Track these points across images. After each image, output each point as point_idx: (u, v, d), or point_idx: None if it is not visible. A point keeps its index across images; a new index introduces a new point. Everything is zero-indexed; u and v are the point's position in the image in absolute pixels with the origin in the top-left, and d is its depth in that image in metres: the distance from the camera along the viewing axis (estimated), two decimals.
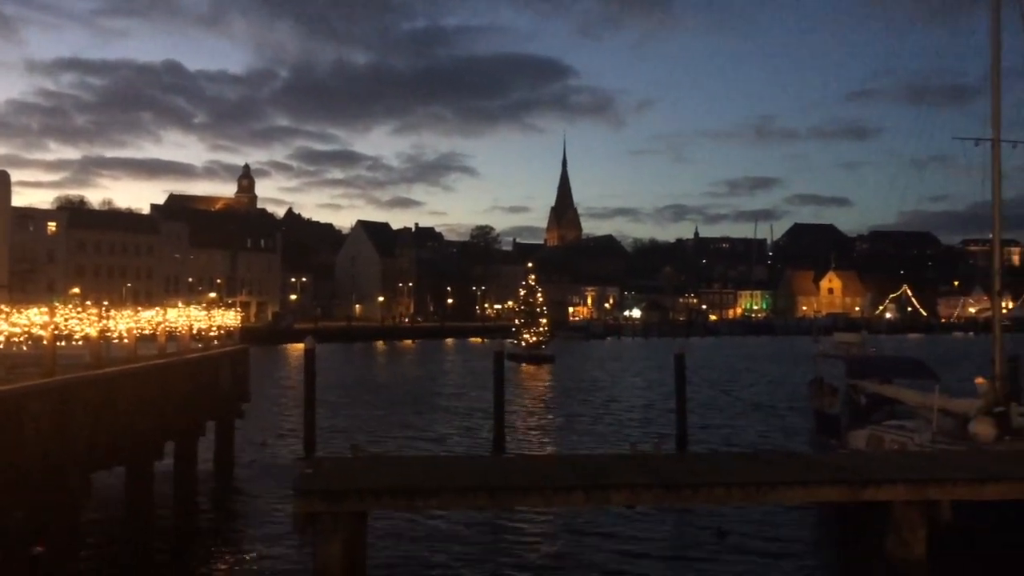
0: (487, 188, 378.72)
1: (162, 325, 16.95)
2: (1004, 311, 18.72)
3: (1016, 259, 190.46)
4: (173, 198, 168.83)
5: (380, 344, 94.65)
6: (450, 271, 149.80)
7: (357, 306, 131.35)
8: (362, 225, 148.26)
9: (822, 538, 13.49)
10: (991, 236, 18.59)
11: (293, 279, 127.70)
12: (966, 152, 17.70)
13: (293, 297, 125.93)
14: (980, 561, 12.40)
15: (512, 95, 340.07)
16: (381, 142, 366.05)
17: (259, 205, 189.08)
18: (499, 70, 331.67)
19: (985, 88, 17.86)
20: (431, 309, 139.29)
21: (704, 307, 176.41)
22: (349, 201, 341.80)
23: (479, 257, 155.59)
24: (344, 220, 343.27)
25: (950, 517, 8.87)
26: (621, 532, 14.32)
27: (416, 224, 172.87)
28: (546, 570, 12.40)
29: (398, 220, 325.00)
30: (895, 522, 8.86)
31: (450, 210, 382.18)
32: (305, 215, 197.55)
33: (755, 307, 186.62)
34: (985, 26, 17.76)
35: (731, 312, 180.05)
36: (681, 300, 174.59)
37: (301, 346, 29.74)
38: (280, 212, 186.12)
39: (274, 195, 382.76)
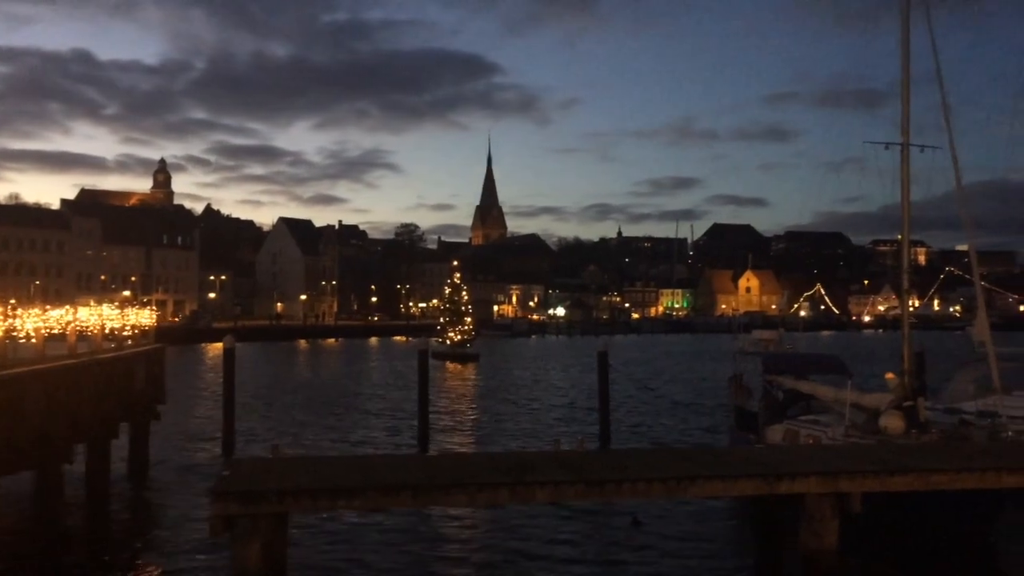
0: (412, 185, 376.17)
1: (72, 324, 16.33)
2: (911, 309, 19.46)
3: (923, 259, 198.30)
4: (85, 192, 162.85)
5: (303, 343, 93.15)
6: (374, 269, 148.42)
7: (279, 304, 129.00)
8: (284, 222, 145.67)
9: (739, 530, 13.83)
10: (900, 237, 19.28)
11: (212, 277, 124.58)
12: (877, 156, 18.30)
13: (212, 295, 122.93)
14: (889, 550, 12.89)
15: (437, 91, 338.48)
16: (303, 137, 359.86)
17: (176, 201, 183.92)
18: (424, 66, 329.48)
19: (895, 93, 18.51)
20: (355, 307, 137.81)
21: (627, 305, 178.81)
22: (270, 197, 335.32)
23: (404, 255, 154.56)
24: (265, 217, 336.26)
25: (860, 508, 9.17)
26: (545, 527, 14.42)
27: (340, 221, 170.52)
28: (470, 567, 12.39)
29: (321, 217, 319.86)
30: (808, 514, 9.13)
31: (374, 207, 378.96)
32: (224, 211, 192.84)
33: (676, 305, 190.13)
34: (895, 33, 18.38)
35: (653, 310, 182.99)
36: (604, 298, 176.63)
37: (220, 345, 29.03)
38: (198, 208, 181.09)
39: (191, 190, 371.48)
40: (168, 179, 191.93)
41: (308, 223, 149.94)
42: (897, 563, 12.66)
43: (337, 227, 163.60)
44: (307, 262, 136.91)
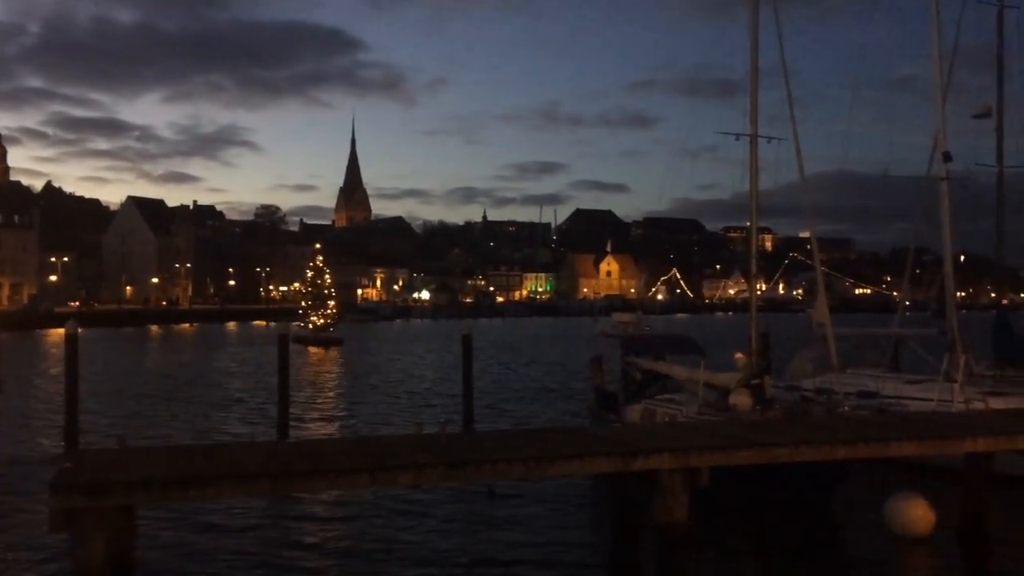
0: (271, 165, 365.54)
1: None
2: (758, 292, 20.51)
3: (769, 245, 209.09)
4: None
5: (155, 328, 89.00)
6: (232, 251, 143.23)
7: (128, 288, 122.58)
8: (133, 201, 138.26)
9: (597, 506, 14.23)
10: (749, 224, 20.24)
11: (53, 259, 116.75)
12: (729, 145, 19.09)
13: (53, 278, 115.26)
14: (734, 521, 13.59)
15: (298, 66, 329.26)
16: (151, 111, 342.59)
17: (12, 177, 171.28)
18: (284, 39, 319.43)
19: (748, 84, 19.32)
20: (211, 291, 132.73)
21: (492, 289, 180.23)
22: (117, 175, 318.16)
23: (264, 237, 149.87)
24: (112, 195, 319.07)
25: (708, 482, 9.61)
26: (406, 510, 14.39)
27: (194, 201, 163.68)
28: (331, 554, 12.22)
29: (174, 197, 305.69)
30: (661, 489, 9.47)
31: (231, 187, 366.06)
32: (67, 189, 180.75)
33: (540, 289, 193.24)
34: (745, 26, 19.16)
35: (517, 294, 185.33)
36: (469, 282, 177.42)
37: (62, 331, 27.27)
38: (37, 185, 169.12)
39: (28, 165, 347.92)
40: (4, 153, 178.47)
41: (160, 203, 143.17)
42: (744, 532, 13.37)
43: (192, 207, 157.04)
44: (159, 244, 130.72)
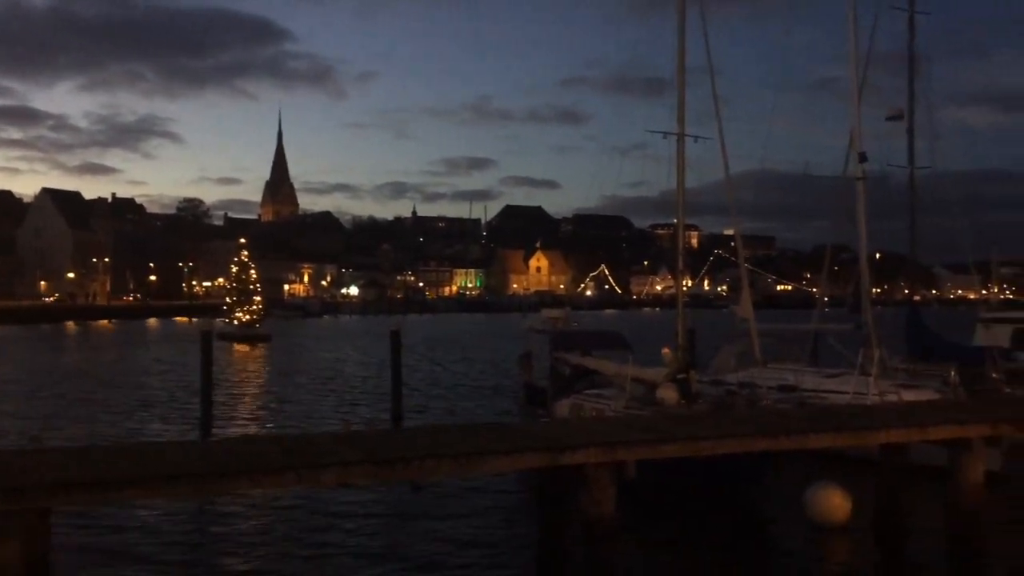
0: (194, 157, 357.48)
1: None
2: (685, 288, 20.87)
3: (695, 242, 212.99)
4: None
5: (71, 325, 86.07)
6: (153, 246, 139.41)
7: (43, 283, 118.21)
8: (48, 193, 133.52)
9: (526, 501, 14.32)
10: (676, 221, 20.59)
11: None
12: (657, 143, 19.37)
13: None
14: (660, 513, 13.84)
15: (221, 56, 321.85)
16: (67, 99, 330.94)
17: None
18: (207, 27, 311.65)
19: (676, 83, 19.62)
20: (132, 287, 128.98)
21: (421, 285, 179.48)
22: (30, 165, 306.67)
23: (186, 231, 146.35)
24: (26, 187, 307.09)
25: (634, 475, 9.75)
26: (333, 508, 14.26)
27: (113, 194, 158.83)
28: (257, 554, 12.02)
29: (91, 189, 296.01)
30: (588, 483, 9.56)
31: (152, 180, 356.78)
32: None
33: (470, 285, 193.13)
34: (674, 25, 19.45)
35: (447, 290, 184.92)
36: (399, 278, 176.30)
37: None
38: None
39: None
40: None
41: (76, 195, 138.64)
42: (669, 524, 13.62)
43: (110, 200, 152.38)
44: (76, 238, 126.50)
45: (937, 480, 12.17)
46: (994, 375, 18.65)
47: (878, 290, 34.94)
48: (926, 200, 23.44)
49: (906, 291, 26.57)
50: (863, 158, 21.01)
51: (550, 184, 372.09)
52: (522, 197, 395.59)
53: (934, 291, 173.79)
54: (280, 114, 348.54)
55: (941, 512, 11.77)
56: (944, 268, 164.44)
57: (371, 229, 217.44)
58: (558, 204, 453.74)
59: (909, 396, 17.24)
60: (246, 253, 71.74)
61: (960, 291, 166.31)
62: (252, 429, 23.33)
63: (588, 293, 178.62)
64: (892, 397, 17.17)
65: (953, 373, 18.78)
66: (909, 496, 13.02)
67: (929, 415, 12.38)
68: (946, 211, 22.94)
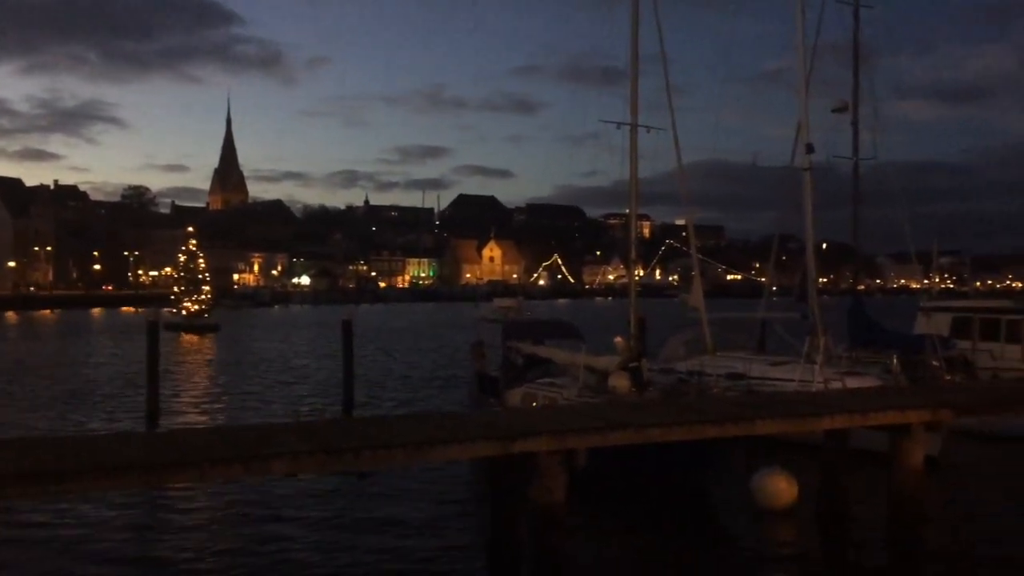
0: (139, 143, 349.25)
1: None
2: (637, 278, 21.06)
3: (647, 232, 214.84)
4: None
5: (11, 315, 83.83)
6: (98, 234, 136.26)
7: None
8: None
9: (478, 490, 14.35)
10: (628, 211, 20.73)
11: None
12: (610, 133, 19.44)
13: None
14: (609, 499, 13.98)
15: (167, 39, 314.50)
16: (6, 83, 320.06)
17: None
18: (151, 9, 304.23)
19: (629, 73, 19.69)
20: (75, 276, 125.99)
21: (374, 274, 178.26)
22: None
23: (132, 220, 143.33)
24: None
25: (584, 463, 9.83)
26: (284, 499, 14.14)
27: (55, 181, 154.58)
28: (204, 547, 11.87)
29: (32, 175, 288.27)
30: (540, 471, 9.60)
31: (96, 166, 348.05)
32: None
33: (422, 274, 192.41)
34: (628, 14, 19.50)
35: (400, 280, 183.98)
36: (351, 267, 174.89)
37: None
38: None
39: None
40: None
41: (17, 181, 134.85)
42: (620, 511, 13.77)
43: (52, 187, 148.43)
44: (16, 225, 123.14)
45: (879, 465, 12.47)
46: (934, 363, 19.15)
47: (824, 280, 35.66)
48: (870, 191, 23.92)
49: (851, 280, 27.08)
50: (810, 149, 21.35)
51: (503, 173, 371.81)
52: (475, 186, 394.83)
53: (878, 281, 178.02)
54: (229, 100, 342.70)
55: (882, 496, 12.07)
56: (887, 258, 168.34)
57: (323, 218, 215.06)
58: (511, 193, 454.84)
59: (852, 383, 17.61)
60: (194, 242, 70.60)
61: (903, 281, 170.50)
62: (200, 420, 22.99)
63: (541, 283, 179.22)
64: (836, 384, 17.54)
65: (895, 360, 19.25)
66: (852, 480, 13.34)
67: (871, 401, 12.66)
68: (889, 202, 23.44)
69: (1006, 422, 17.29)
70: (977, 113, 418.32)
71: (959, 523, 13.23)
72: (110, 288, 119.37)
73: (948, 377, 18.48)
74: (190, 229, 75.52)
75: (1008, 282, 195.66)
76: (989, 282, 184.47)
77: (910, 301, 36.80)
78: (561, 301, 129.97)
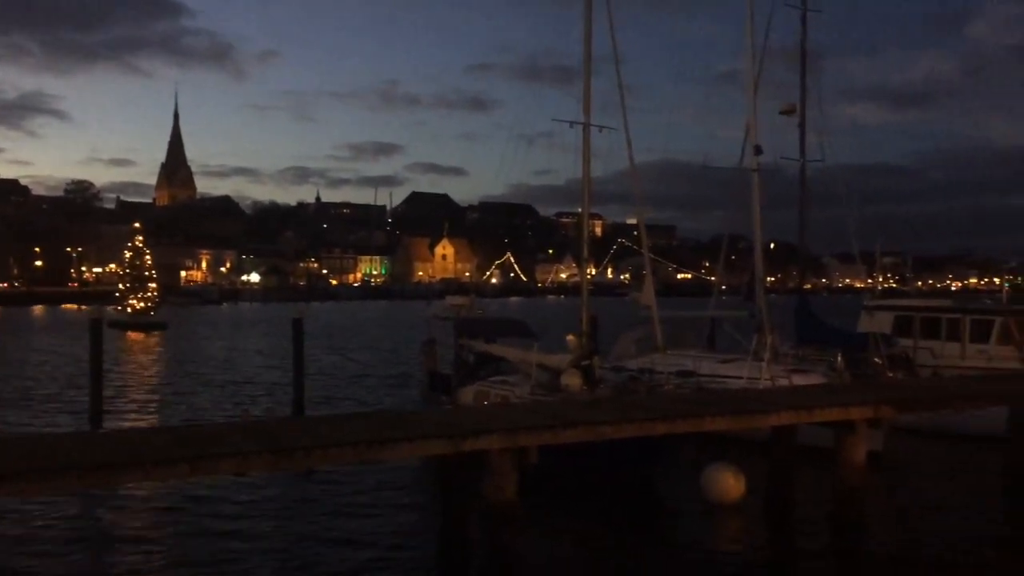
0: (83, 137, 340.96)
1: None
2: (589, 277, 21.17)
3: (599, 231, 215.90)
4: None
5: None
6: (39, 230, 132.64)
7: None
8: None
9: (429, 488, 14.30)
10: (581, 210, 20.81)
11: None
12: (564, 132, 19.46)
13: None
14: (560, 496, 14.04)
15: (113, 30, 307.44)
16: None
17: None
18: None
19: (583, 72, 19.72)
20: (15, 273, 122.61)
21: (325, 272, 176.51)
22: None
23: (76, 215, 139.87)
24: None
25: (536, 460, 9.86)
26: (231, 500, 13.94)
27: None
28: (150, 550, 11.64)
29: None
30: (491, 469, 9.62)
31: (37, 160, 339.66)
32: None
33: (374, 272, 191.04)
34: (582, 13, 19.52)
35: (351, 277, 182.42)
36: (302, 265, 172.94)
37: None
38: None
39: None
40: None
41: None
42: (571, 508, 13.83)
43: None
44: None
45: (824, 460, 12.71)
46: (877, 360, 19.57)
47: (772, 279, 36.20)
48: (816, 192, 24.34)
49: (797, 280, 27.56)
50: (758, 151, 21.67)
51: (457, 171, 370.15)
52: (428, 184, 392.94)
53: (823, 280, 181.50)
54: (176, 93, 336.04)
55: (827, 490, 12.31)
56: (833, 258, 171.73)
57: (273, 214, 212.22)
58: (464, 191, 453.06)
59: (799, 380, 17.94)
60: (140, 238, 69.18)
61: (847, 280, 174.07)
62: (145, 420, 22.54)
63: (494, 281, 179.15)
64: (783, 381, 17.85)
65: (839, 358, 19.63)
66: (798, 476, 13.60)
67: (816, 399, 12.92)
68: (835, 203, 23.91)
69: (946, 419, 17.76)
70: (921, 117, 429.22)
71: (900, 516, 13.56)
72: (52, 285, 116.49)
73: (890, 374, 18.90)
74: (136, 225, 73.94)
75: (948, 281, 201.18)
76: (930, 281, 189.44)
77: (854, 300, 37.60)
78: (513, 299, 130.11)
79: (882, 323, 22.82)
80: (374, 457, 9.36)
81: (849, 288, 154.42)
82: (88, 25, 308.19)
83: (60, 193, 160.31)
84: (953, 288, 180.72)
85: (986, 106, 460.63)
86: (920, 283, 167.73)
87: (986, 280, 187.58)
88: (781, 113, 23.20)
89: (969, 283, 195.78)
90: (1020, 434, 15.82)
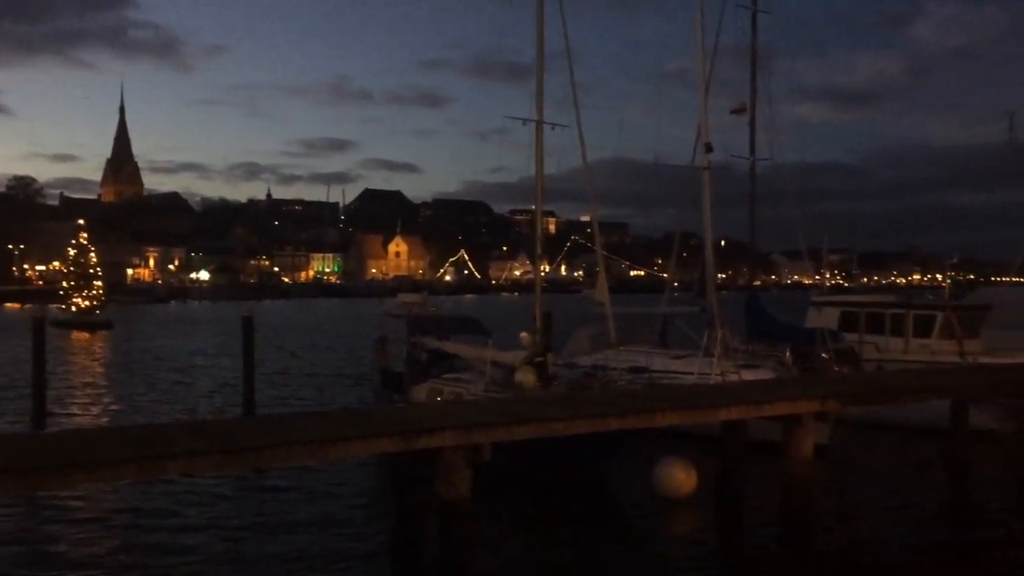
0: (24, 131, 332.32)
1: None
2: (543, 274, 21.21)
3: (553, 228, 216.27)
4: None
5: None
6: None
7: None
8: None
9: (381, 486, 14.22)
10: (534, 207, 20.84)
11: None
12: (517, 129, 19.48)
13: None
14: (514, 493, 14.08)
15: (55, 22, 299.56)
16: None
17: None
18: None
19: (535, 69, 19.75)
20: None
21: (276, 269, 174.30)
22: None
23: (17, 211, 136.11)
24: None
25: (489, 457, 9.85)
26: (179, 500, 13.71)
27: None
28: (93, 554, 11.39)
29: None
30: (444, 466, 9.58)
31: None
32: None
33: (327, 270, 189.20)
34: (534, 11, 19.54)
35: (304, 275, 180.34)
36: (253, 262, 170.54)
37: None
38: None
39: None
40: None
41: None
42: (525, 505, 13.87)
43: None
44: None
45: (773, 454, 12.92)
46: (824, 355, 19.94)
47: (723, 276, 36.69)
48: (765, 190, 24.72)
49: (747, 276, 27.96)
50: (709, 149, 21.92)
51: (410, 168, 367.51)
52: (381, 181, 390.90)
53: (773, 277, 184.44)
54: (122, 87, 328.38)
55: (776, 483, 12.51)
56: (782, 255, 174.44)
57: (222, 211, 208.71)
58: (418, 188, 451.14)
59: (748, 375, 18.21)
60: (85, 235, 67.61)
61: (796, 277, 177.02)
62: (90, 422, 22.05)
63: (448, 278, 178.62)
64: (733, 377, 18.10)
65: (788, 353, 19.97)
66: (749, 469, 13.81)
67: (765, 393, 13.12)
68: (784, 201, 24.30)
69: (890, 412, 18.17)
70: (868, 116, 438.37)
71: (845, 507, 13.86)
72: None
73: (836, 369, 19.26)
74: (80, 221, 72.29)
75: (893, 278, 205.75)
76: (876, 278, 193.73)
77: (803, 296, 38.22)
78: (467, 297, 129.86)
79: (829, 319, 23.24)
80: (326, 456, 9.27)
81: (798, 284, 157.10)
82: (29, 16, 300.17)
83: (1, 189, 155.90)
84: (898, 284, 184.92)
85: (928, 106, 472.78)
86: (866, 279, 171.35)
87: (929, 276, 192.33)
88: (732, 112, 23.52)
89: (913, 279, 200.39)
90: (960, 426, 16.27)
